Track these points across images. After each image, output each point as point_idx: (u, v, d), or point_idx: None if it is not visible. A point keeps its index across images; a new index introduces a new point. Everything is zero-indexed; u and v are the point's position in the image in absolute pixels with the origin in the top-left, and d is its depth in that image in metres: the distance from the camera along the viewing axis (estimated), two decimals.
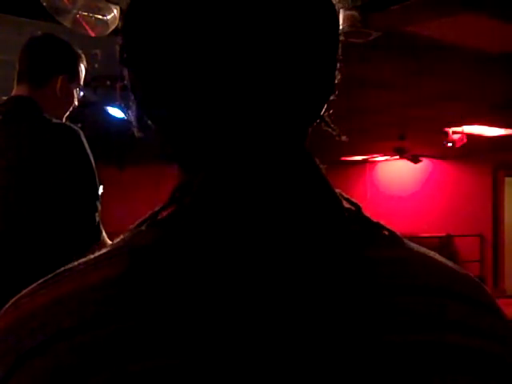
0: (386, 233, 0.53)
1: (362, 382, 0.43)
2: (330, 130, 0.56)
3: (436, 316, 0.48)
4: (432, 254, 0.55)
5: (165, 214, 0.50)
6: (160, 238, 0.47)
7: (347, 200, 0.52)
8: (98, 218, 2.04)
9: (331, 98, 0.54)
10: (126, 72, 0.54)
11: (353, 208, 0.52)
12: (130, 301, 0.44)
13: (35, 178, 2.00)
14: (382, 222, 0.53)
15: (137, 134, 0.56)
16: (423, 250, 0.55)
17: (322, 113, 0.54)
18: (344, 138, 0.56)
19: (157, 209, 0.50)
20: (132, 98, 0.54)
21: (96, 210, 2.03)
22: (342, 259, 0.47)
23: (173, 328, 0.43)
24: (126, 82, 0.54)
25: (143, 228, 0.49)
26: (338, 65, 0.54)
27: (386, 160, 10.75)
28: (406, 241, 0.54)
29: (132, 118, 0.54)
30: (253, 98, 0.48)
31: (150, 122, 0.53)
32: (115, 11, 3.43)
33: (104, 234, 2.13)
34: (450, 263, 0.55)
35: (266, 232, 0.46)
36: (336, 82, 0.54)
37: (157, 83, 0.50)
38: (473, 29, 3.95)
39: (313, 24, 0.50)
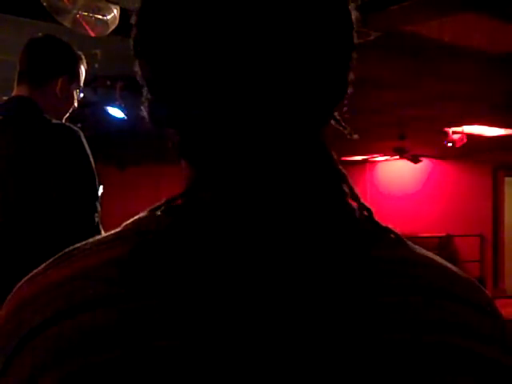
0: (392, 235, 0.53)
1: (361, 381, 0.44)
2: (341, 128, 0.56)
3: (436, 317, 0.48)
4: (434, 256, 0.55)
5: (176, 204, 0.50)
6: (176, 224, 0.48)
7: (359, 202, 0.53)
8: (97, 219, 2.04)
9: (346, 95, 0.54)
10: (139, 66, 0.54)
11: (364, 211, 0.53)
12: (137, 282, 0.45)
13: (35, 178, 2.00)
14: (388, 224, 0.54)
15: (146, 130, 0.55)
16: (425, 252, 0.55)
17: (336, 110, 0.54)
18: (356, 136, 0.56)
19: (171, 198, 0.50)
20: (145, 93, 0.54)
21: (95, 210, 2.03)
22: (348, 258, 0.47)
23: (179, 311, 0.44)
24: (138, 77, 0.54)
25: (157, 213, 0.50)
26: (353, 60, 0.53)
27: (386, 160, 10.75)
28: (409, 242, 0.54)
29: (145, 114, 0.54)
30: (268, 93, 0.48)
31: (162, 117, 0.53)
32: (115, 11, 3.44)
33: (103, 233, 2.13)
34: (451, 266, 0.55)
35: (276, 228, 0.47)
36: (350, 78, 0.54)
37: (172, 78, 0.50)
38: (473, 29, 3.95)
39: (326, 19, 0.50)
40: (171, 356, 0.42)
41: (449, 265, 0.55)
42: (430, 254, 0.55)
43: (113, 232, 0.50)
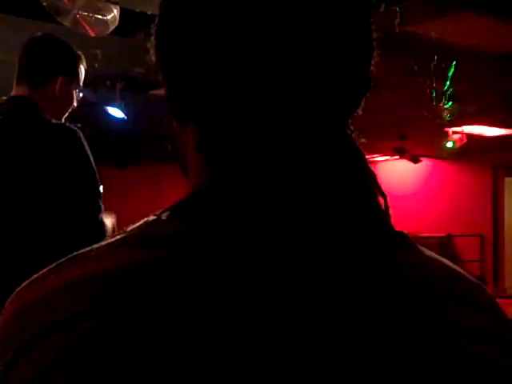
0: (406, 238, 0.53)
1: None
2: (349, 132, 0.56)
3: (449, 322, 0.49)
4: (443, 259, 0.55)
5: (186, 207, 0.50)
6: (191, 229, 0.47)
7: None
8: (101, 216, 2.03)
9: (368, 91, 0.54)
10: (161, 63, 0.54)
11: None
12: (146, 288, 0.44)
13: (35, 179, 1.99)
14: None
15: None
16: (435, 255, 0.55)
17: (359, 106, 0.54)
18: (362, 139, 0.56)
19: (178, 202, 0.50)
20: (168, 89, 0.54)
21: (99, 210, 2.02)
22: (375, 262, 0.47)
23: (190, 318, 0.43)
24: (159, 73, 0.54)
25: (163, 218, 0.49)
26: (373, 59, 0.54)
27: (386, 160, 10.75)
28: (418, 245, 0.55)
29: (169, 110, 0.54)
30: (295, 90, 0.48)
31: (184, 109, 0.53)
32: (115, 11, 3.43)
33: (109, 229, 2.11)
34: (460, 269, 0.55)
35: (302, 234, 0.46)
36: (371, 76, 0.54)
37: (197, 71, 0.50)
38: (473, 29, 3.95)
39: (351, 19, 0.51)
40: (182, 362, 0.42)
41: (458, 268, 0.55)
42: (439, 258, 0.55)
43: (118, 237, 0.49)
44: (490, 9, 3.61)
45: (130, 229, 0.50)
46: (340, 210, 0.48)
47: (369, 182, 0.50)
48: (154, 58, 0.55)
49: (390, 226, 0.51)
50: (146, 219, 0.50)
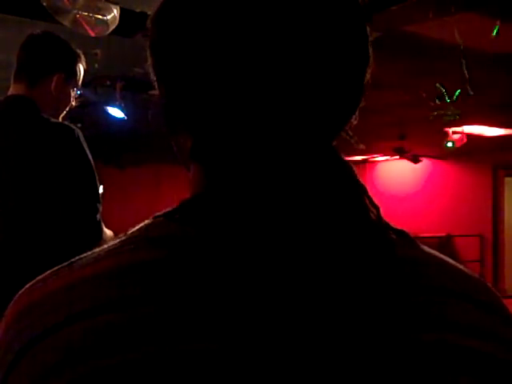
0: (406, 237, 0.54)
1: (372, 380, 0.44)
2: (348, 137, 0.56)
3: (449, 318, 0.49)
4: (444, 257, 0.56)
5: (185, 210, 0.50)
6: (191, 231, 0.47)
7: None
8: (99, 217, 2.03)
9: (360, 103, 0.54)
10: (153, 70, 0.54)
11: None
12: (147, 287, 0.45)
13: (34, 178, 1.98)
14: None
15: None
16: (436, 252, 0.56)
17: (351, 119, 0.54)
18: (362, 146, 0.57)
19: (177, 205, 0.50)
20: (163, 99, 0.54)
21: (97, 210, 2.02)
22: (375, 259, 0.47)
23: (191, 317, 0.43)
24: (153, 81, 0.54)
25: (163, 220, 0.49)
26: (368, 71, 0.54)
27: (386, 160, 10.75)
28: (420, 243, 0.55)
29: (162, 117, 0.54)
30: (286, 100, 0.49)
31: (179, 121, 0.53)
32: (115, 11, 3.43)
33: (106, 230, 2.11)
34: (462, 267, 0.56)
35: (298, 236, 0.46)
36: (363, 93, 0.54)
37: (188, 82, 0.50)
38: (473, 29, 3.95)
39: (344, 31, 0.51)
40: (184, 360, 0.42)
41: (460, 266, 0.56)
42: (441, 255, 0.56)
43: (118, 240, 0.50)
44: (490, 9, 3.61)
45: (130, 232, 0.50)
46: (334, 210, 0.48)
47: (360, 191, 0.51)
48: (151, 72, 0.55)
49: (387, 224, 0.51)
50: (146, 222, 0.50)
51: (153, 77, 0.55)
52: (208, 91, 0.49)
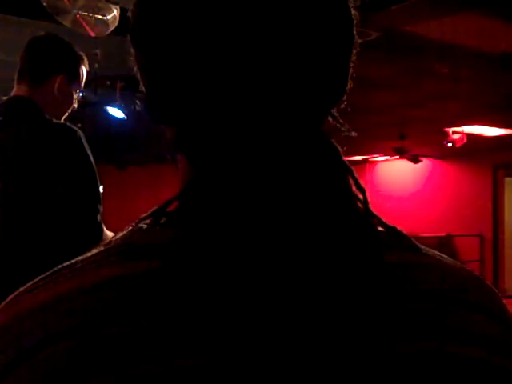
0: (401, 237, 0.53)
1: None
2: (338, 125, 0.55)
3: (448, 325, 0.48)
4: (446, 258, 0.54)
5: (168, 211, 0.49)
6: (177, 237, 0.46)
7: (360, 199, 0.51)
8: (99, 218, 2.03)
9: (347, 88, 0.53)
10: (135, 60, 0.53)
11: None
12: (134, 302, 0.44)
13: (36, 179, 1.99)
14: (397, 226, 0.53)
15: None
16: (438, 254, 0.54)
17: (337, 104, 0.53)
18: (353, 133, 0.55)
19: (156, 208, 0.49)
20: (145, 90, 0.53)
21: (98, 211, 2.02)
22: (362, 264, 0.46)
23: (183, 330, 0.42)
24: (136, 73, 0.54)
25: (145, 226, 0.48)
26: (353, 55, 0.53)
27: (386, 160, 10.75)
28: (419, 245, 0.53)
29: (143, 110, 0.54)
30: (269, 87, 0.48)
31: (161, 113, 0.52)
32: (115, 11, 3.43)
33: (106, 231, 2.11)
34: (463, 268, 0.54)
35: (286, 234, 0.45)
36: (349, 75, 0.53)
37: (168, 71, 0.50)
38: (473, 29, 3.95)
39: (326, 14, 0.50)
40: (185, 374, 0.41)
41: (462, 267, 0.54)
42: (442, 257, 0.54)
43: (102, 249, 0.48)
44: (490, 9, 3.61)
45: (114, 238, 0.49)
46: (321, 208, 0.47)
47: (345, 175, 0.50)
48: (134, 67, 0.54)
49: (373, 227, 0.50)
50: (130, 227, 0.49)
51: (135, 69, 0.54)
52: (189, 77, 0.48)
